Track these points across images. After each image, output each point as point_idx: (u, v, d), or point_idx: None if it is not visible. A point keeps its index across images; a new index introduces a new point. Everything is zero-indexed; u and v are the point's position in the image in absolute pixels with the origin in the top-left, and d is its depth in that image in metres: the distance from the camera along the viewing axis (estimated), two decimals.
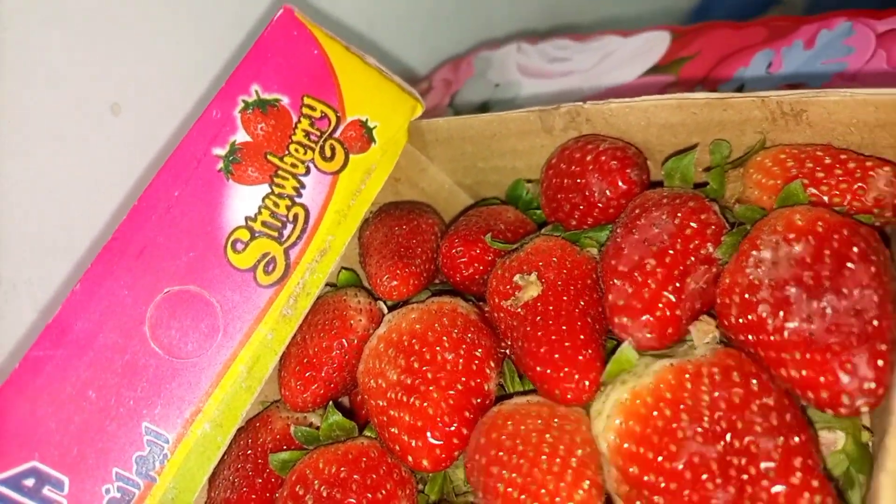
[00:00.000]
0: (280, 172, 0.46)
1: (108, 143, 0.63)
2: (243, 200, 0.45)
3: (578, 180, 0.42)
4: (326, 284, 0.47)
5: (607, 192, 0.41)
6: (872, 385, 0.28)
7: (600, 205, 0.41)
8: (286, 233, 0.45)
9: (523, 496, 0.31)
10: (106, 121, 0.64)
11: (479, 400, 0.38)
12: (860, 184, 0.34)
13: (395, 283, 0.44)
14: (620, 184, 0.40)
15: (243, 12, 0.68)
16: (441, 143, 0.52)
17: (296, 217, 0.45)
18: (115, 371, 0.40)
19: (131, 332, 0.41)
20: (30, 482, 0.38)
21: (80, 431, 0.39)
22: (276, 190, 0.45)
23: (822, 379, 0.29)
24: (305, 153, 0.47)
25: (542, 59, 0.69)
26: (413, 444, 0.36)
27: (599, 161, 0.41)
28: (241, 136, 0.45)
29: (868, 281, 0.29)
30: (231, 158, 0.45)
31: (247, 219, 0.44)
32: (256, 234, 0.44)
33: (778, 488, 0.28)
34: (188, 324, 0.42)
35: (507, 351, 0.40)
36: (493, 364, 0.39)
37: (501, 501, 0.32)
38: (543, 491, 0.31)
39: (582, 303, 0.37)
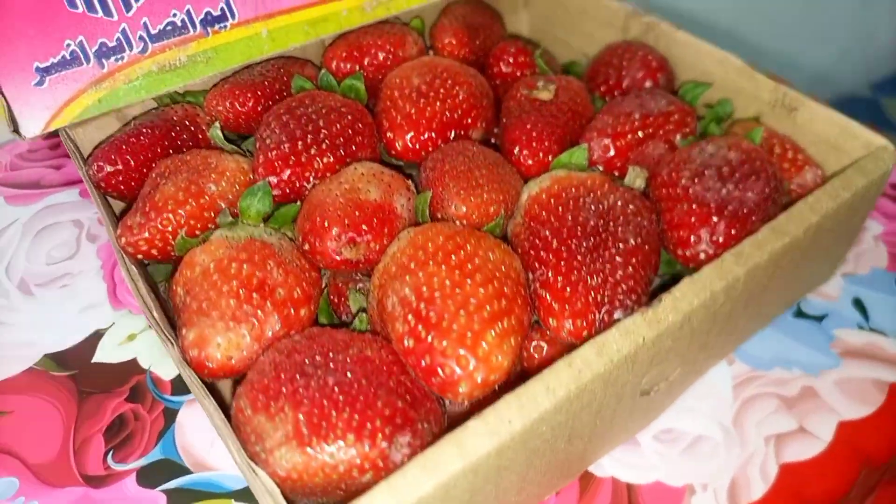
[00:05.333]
0: None
1: None
2: None
3: (623, 63, 0.52)
4: (397, 19, 0.57)
5: (636, 81, 0.51)
6: (719, 240, 0.39)
7: (624, 86, 0.52)
8: None
9: (461, 176, 0.42)
10: None
11: (461, 133, 0.48)
12: (795, 169, 0.46)
13: (453, 41, 0.54)
14: (648, 81, 0.51)
15: None
16: None
17: None
18: None
19: None
20: None
21: None
22: None
23: (691, 220, 0.40)
24: None
25: None
26: (402, 126, 0.47)
27: (646, 58, 0.52)
28: None
29: (759, 191, 0.40)
30: None
31: None
32: None
33: (619, 259, 0.38)
34: None
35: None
36: (483, 125, 0.49)
37: (440, 181, 0.42)
38: (472, 184, 0.41)
39: (570, 124, 0.48)
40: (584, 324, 0.36)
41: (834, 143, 0.46)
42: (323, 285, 0.42)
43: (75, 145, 0.49)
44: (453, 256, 0.36)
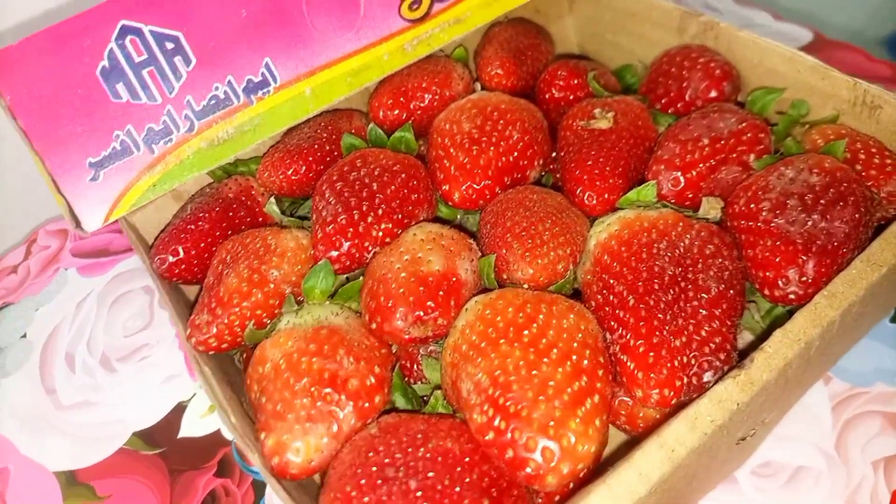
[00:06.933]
0: None
1: None
2: None
3: (683, 72, 0.49)
4: (441, 51, 0.55)
5: (700, 91, 0.48)
6: (808, 280, 0.36)
7: (687, 98, 0.49)
8: None
9: (524, 234, 0.40)
10: None
11: (518, 176, 0.46)
12: (884, 176, 0.42)
13: (500, 71, 0.52)
14: (713, 91, 0.48)
15: None
16: (588, 1, 0.59)
17: None
18: (268, 7, 0.48)
19: None
20: (170, 45, 0.47)
21: (221, 34, 0.47)
22: None
23: (776, 259, 0.37)
24: None
25: (699, 2, 0.75)
26: (457, 177, 0.45)
27: (709, 66, 0.48)
28: None
29: (848, 219, 0.37)
30: None
31: None
32: None
33: (703, 311, 0.36)
34: (335, 8, 0.50)
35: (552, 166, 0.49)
36: (540, 162, 0.47)
37: (502, 240, 0.40)
38: (537, 242, 0.40)
39: (633, 152, 0.45)
40: (672, 393, 0.34)
41: None
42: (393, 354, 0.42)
43: (137, 234, 0.49)
44: (525, 332, 0.35)
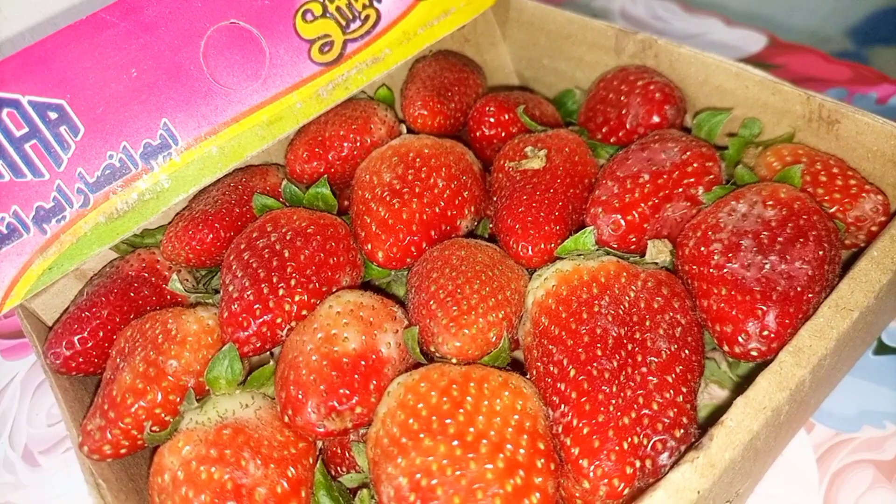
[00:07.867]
0: None
1: None
2: None
3: (622, 98, 0.45)
4: (363, 92, 0.51)
5: (640, 118, 0.44)
6: (770, 335, 0.32)
7: (628, 126, 0.44)
8: (353, 27, 0.48)
9: (448, 299, 0.35)
10: None
11: (447, 228, 0.41)
12: (849, 200, 0.37)
13: (424, 112, 0.47)
14: (655, 116, 0.43)
15: None
16: (520, 26, 0.55)
17: (367, 18, 0.48)
18: (161, 64, 0.44)
19: (189, 39, 0.44)
20: (53, 115, 0.42)
21: (110, 97, 0.43)
22: None
23: (733, 312, 0.32)
24: None
25: (646, 12, 0.71)
26: (379, 235, 0.40)
27: (647, 89, 0.44)
28: None
29: (811, 258, 0.33)
30: None
31: None
32: (327, 14, 0.47)
33: (654, 379, 0.31)
34: (237, 58, 0.46)
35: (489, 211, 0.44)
36: (472, 209, 0.43)
37: (426, 307, 0.36)
38: (463, 308, 0.35)
39: (570, 192, 0.41)
40: (622, 484, 0.29)
41: (892, 157, 0.38)
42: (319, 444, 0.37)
43: (36, 323, 0.44)
44: (450, 421, 0.30)
